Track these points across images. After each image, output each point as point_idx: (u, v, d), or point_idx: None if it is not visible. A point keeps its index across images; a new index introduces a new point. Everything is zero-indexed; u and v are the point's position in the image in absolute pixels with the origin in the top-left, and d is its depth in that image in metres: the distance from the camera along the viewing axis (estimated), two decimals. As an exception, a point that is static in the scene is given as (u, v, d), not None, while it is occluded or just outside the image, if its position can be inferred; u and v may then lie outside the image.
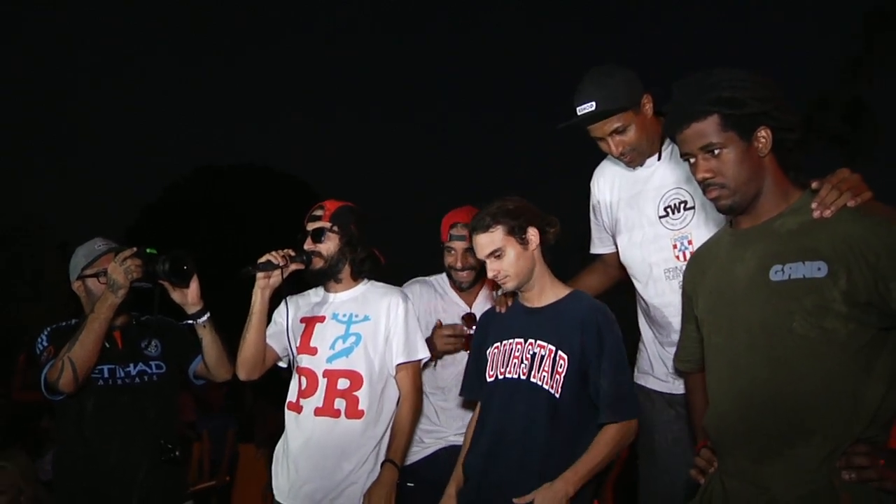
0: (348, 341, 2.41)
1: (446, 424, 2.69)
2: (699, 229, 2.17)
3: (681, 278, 2.12)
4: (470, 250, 2.66)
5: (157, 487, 2.40)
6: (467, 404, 2.61)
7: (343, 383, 2.37)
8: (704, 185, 1.63)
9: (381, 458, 2.38)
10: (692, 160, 1.64)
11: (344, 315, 2.46)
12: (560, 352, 2.06)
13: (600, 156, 2.45)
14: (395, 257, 2.62)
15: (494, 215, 2.09)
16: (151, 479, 2.39)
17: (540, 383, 2.06)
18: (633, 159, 2.25)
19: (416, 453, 2.66)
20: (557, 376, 2.05)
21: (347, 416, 2.35)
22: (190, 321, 2.48)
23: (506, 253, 2.09)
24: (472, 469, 2.16)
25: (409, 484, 2.50)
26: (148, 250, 2.38)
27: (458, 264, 2.70)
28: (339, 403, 2.36)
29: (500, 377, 2.14)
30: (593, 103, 2.13)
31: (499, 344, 2.18)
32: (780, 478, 1.50)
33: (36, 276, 15.94)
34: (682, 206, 2.22)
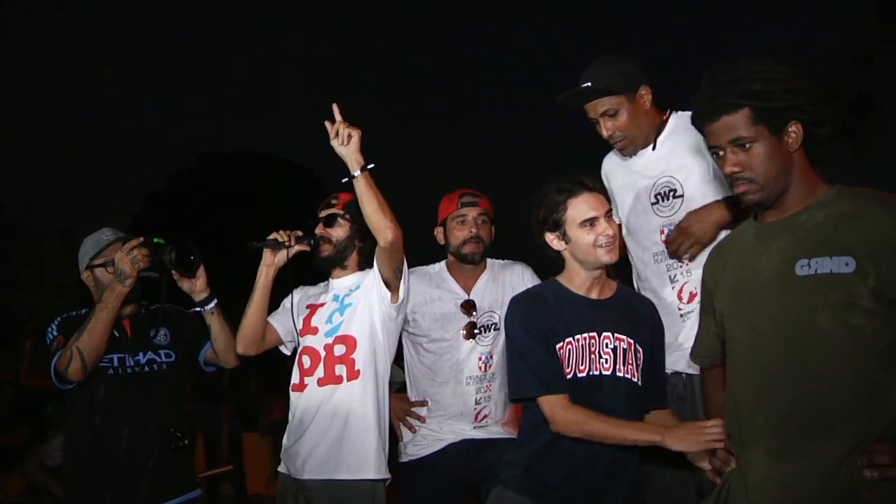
0: (345, 313, 2.47)
1: (442, 419, 2.66)
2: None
3: (667, 261, 2.22)
4: (482, 219, 2.70)
5: (166, 475, 2.42)
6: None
7: (339, 349, 2.44)
8: (732, 180, 1.60)
9: (384, 423, 2.44)
10: (721, 153, 1.60)
11: (343, 296, 2.53)
12: (637, 344, 2.05)
13: (597, 155, 2.49)
14: (415, 258, 2.63)
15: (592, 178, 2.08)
16: (161, 467, 2.41)
17: (625, 376, 2.03)
18: (624, 146, 2.30)
19: (426, 447, 2.66)
20: (638, 366, 2.05)
21: (348, 380, 2.41)
22: (198, 308, 2.51)
23: (613, 214, 2.10)
24: (551, 474, 2.02)
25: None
26: (155, 240, 2.40)
27: (473, 230, 2.68)
28: (340, 369, 2.42)
29: (581, 375, 2.01)
30: (589, 83, 2.22)
31: (571, 339, 2.04)
32: (800, 475, 1.48)
33: (39, 265, 16.01)
34: (672, 193, 2.27)
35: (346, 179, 2.26)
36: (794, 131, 1.55)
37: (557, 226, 2.02)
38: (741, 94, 1.54)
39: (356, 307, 2.47)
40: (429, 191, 2.84)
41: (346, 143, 2.23)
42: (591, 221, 1.98)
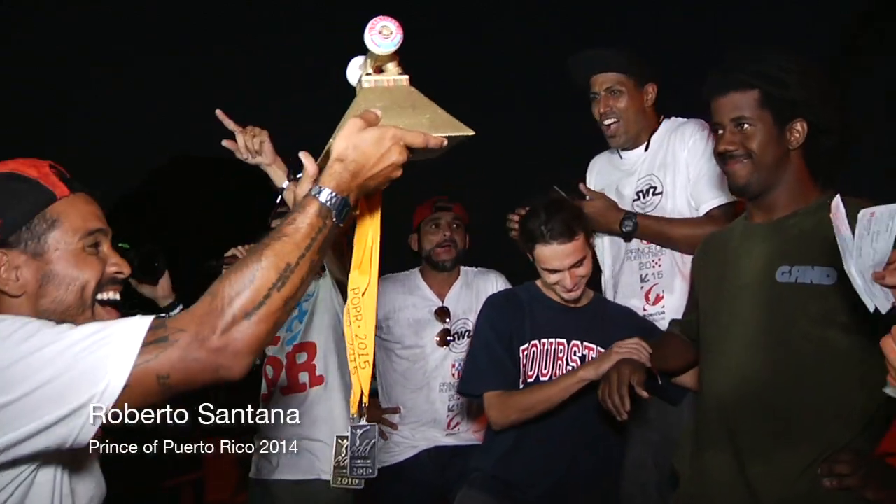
0: (304, 320, 2.49)
1: (415, 426, 2.64)
2: (664, 213, 2.21)
3: (641, 259, 2.23)
4: (456, 224, 2.69)
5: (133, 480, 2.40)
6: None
7: (301, 357, 2.45)
8: (725, 157, 1.57)
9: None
10: (720, 131, 1.58)
11: (301, 302, 2.52)
12: None
13: (590, 157, 2.49)
14: (387, 266, 2.59)
15: (576, 221, 1.98)
16: (127, 471, 2.38)
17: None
18: (615, 131, 2.27)
19: (399, 453, 2.64)
20: None
21: (311, 386, 2.43)
22: (163, 315, 2.47)
23: (586, 259, 2.01)
24: (516, 477, 2.01)
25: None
26: (120, 244, 2.35)
27: (447, 233, 2.67)
28: (303, 377, 2.44)
29: (544, 379, 2.01)
30: (604, 55, 2.26)
31: (536, 342, 2.04)
32: (763, 480, 1.47)
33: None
34: (652, 191, 2.26)
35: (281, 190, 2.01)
36: (799, 130, 1.52)
37: (530, 251, 2.04)
38: (754, 74, 1.52)
39: (312, 314, 2.48)
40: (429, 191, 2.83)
41: (256, 154, 1.89)
42: (553, 270, 1.99)
